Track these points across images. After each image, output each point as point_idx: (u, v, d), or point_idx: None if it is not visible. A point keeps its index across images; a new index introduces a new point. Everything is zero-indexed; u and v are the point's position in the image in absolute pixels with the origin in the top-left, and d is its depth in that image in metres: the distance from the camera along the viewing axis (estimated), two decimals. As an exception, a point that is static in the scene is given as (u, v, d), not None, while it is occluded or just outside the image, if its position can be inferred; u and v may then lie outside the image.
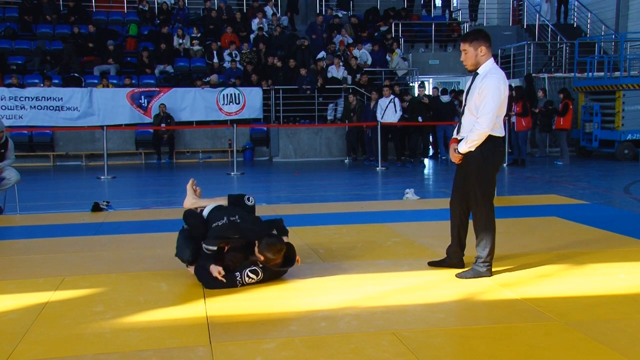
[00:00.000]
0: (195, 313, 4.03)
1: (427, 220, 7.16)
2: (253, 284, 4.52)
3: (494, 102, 4.49)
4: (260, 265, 4.55)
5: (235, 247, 4.65)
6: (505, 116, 5.04)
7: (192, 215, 4.93)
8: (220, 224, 4.65)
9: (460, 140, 4.69)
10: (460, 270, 4.83)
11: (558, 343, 3.49)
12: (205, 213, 4.89)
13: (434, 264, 5.05)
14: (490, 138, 4.57)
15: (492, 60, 4.64)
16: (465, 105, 4.72)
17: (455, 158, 4.72)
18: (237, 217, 4.71)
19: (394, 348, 3.43)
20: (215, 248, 4.59)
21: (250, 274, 4.50)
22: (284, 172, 13.90)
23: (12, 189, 7.98)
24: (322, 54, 17.34)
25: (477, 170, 4.64)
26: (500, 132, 4.64)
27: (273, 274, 4.64)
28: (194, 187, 5.24)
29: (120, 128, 15.60)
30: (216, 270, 4.49)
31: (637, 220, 7.27)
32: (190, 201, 5.15)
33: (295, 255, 4.73)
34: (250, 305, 4.18)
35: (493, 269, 4.79)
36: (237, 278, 4.49)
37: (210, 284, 4.50)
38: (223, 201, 5.04)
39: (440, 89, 16.32)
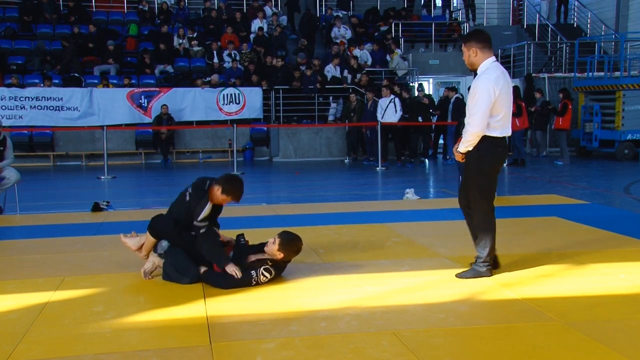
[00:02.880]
0: (195, 313, 4.03)
1: (427, 220, 7.16)
2: (264, 282, 4.55)
3: (483, 102, 4.50)
4: (271, 263, 4.58)
5: (251, 251, 4.69)
6: None
7: (157, 221, 4.77)
8: (187, 197, 4.73)
9: None
10: (460, 270, 4.83)
11: (558, 343, 3.49)
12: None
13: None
14: (487, 138, 4.57)
15: (489, 60, 4.62)
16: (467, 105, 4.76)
17: (457, 157, 4.78)
18: (188, 188, 4.82)
19: (394, 348, 3.43)
20: (207, 213, 4.61)
21: (265, 272, 4.53)
22: (284, 172, 13.90)
23: (12, 189, 7.98)
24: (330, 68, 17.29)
25: (475, 170, 4.66)
26: (498, 132, 4.61)
27: (280, 269, 4.70)
28: (126, 235, 5.07)
29: (120, 128, 15.60)
30: (232, 269, 4.49)
31: (637, 220, 7.27)
32: (137, 240, 4.96)
33: (301, 248, 4.79)
34: (250, 305, 4.18)
35: (493, 269, 4.79)
36: (253, 276, 4.51)
37: (226, 284, 4.48)
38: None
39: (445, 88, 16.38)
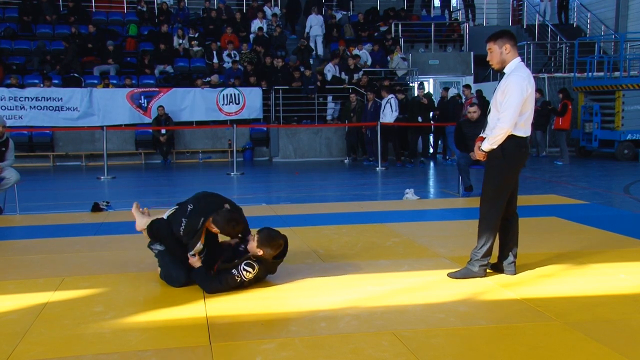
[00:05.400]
0: (195, 313, 4.03)
1: (427, 220, 7.16)
2: (251, 278, 4.44)
3: (516, 99, 4.46)
4: (254, 259, 4.47)
5: (226, 250, 4.62)
6: None
7: (158, 226, 4.71)
8: (182, 226, 4.51)
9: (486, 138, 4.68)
10: (453, 270, 4.81)
11: (558, 343, 3.49)
12: (166, 216, 4.78)
13: (492, 268, 4.88)
14: (512, 137, 4.53)
15: (518, 59, 4.61)
16: (491, 104, 4.72)
17: (479, 155, 4.71)
18: (189, 205, 4.59)
19: (394, 348, 3.43)
20: (200, 246, 4.52)
21: (246, 267, 4.40)
22: (284, 172, 13.90)
23: (12, 189, 7.98)
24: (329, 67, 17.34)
25: (495, 168, 4.62)
26: (522, 132, 4.58)
27: (268, 267, 4.57)
28: (139, 209, 5.05)
29: (120, 128, 15.60)
30: (194, 259, 4.46)
31: (637, 220, 7.27)
32: (143, 221, 4.92)
33: (287, 246, 4.67)
34: (250, 305, 4.18)
35: (496, 271, 4.79)
36: (235, 274, 4.40)
37: (213, 288, 4.43)
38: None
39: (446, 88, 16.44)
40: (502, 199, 4.65)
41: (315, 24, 18.85)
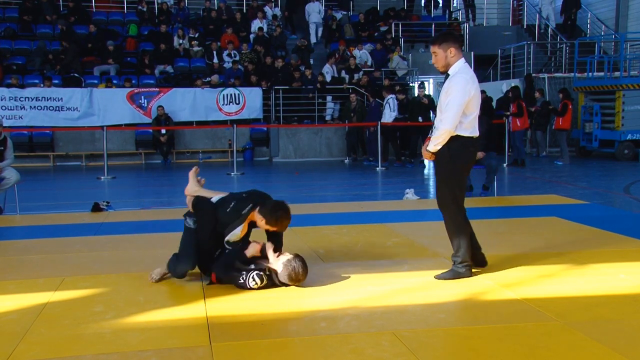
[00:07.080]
0: (195, 313, 4.03)
1: (427, 220, 7.15)
2: (255, 288, 4.41)
3: (459, 100, 4.47)
4: (267, 272, 4.46)
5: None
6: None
7: (203, 204, 4.73)
8: (230, 206, 4.57)
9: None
10: (439, 272, 4.78)
11: (558, 343, 3.49)
12: (214, 200, 4.80)
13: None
14: (458, 138, 4.54)
15: (462, 60, 4.62)
16: (437, 106, 4.73)
17: (426, 156, 4.73)
18: (244, 193, 4.72)
19: (393, 348, 3.43)
20: (238, 233, 4.56)
21: (256, 277, 4.39)
22: (284, 172, 13.90)
23: (12, 189, 7.98)
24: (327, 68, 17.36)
25: (445, 170, 4.63)
26: (470, 132, 4.58)
27: (272, 284, 4.53)
28: (197, 176, 5.05)
29: (120, 128, 15.61)
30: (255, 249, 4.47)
31: (637, 220, 7.27)
32: (193, 188, 4.92)
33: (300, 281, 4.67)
34: (250, 305, 4.17)
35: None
36: (241, 279, 4.40)
37: (220, 272, 4.50)
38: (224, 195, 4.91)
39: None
40: (460, 199, 4.67)
41: (313, 12, 18.89)
